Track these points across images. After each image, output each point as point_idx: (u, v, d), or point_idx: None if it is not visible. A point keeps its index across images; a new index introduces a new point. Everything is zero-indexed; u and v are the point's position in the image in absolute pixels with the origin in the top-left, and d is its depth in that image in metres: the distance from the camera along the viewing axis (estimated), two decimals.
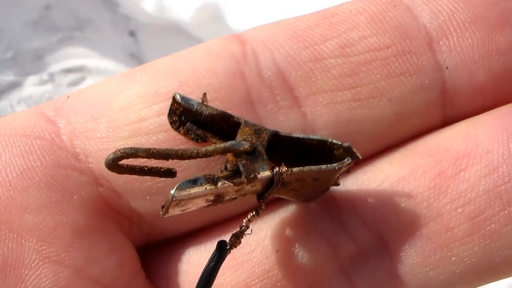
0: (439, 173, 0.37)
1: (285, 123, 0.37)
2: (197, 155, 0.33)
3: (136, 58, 1.10)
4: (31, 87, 1.05)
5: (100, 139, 0.37)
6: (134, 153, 0.31)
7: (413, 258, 0.37)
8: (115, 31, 1.11)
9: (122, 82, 0.38)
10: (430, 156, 0.37)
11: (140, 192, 0.37)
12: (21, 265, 0.35)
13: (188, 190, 0.32)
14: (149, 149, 0.32)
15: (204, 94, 0.36)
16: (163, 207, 0.33)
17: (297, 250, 0.38)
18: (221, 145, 0.33)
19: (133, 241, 0.39)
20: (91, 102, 0.38)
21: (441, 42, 0.37)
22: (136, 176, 0.34)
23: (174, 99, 0.35)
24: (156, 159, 0.32)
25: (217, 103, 0.37)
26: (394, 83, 0.37)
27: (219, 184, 0.33)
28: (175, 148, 0.34)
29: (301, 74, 0.37)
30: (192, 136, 0.36)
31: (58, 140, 0.37)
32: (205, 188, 0.32)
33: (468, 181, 0.36)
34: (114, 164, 0.32)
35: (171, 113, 0.36)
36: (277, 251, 0.38)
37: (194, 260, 0.39)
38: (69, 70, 1.07)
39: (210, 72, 0.37)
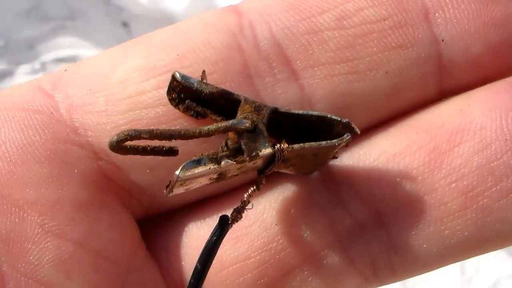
0: (434, 148, 0.37)
1: (283, 96, 0.37)
2: (199, 135, 0.33)
3: None
4: (23, 76, 1.05)
5: (98, 112, 0.37)
6: (137, 134, 0.32)
7: (407, 232, 0.38)
8: (107, 22, 1.11)
9: (119, 55, 0.38)
10: (425, 131, 0.38)
11: (139, 166, 0.37)
12: (24, 239, 0.35)
13: (192, 170, 0.32)
14: (152, 130, 0.32)
15: (203, 72, 0.36)
16: (167, 187, 0.33)
17: (295, 223, 0.39)
18: (222, 124, 0.33)
19: (133, 214, 0.39)
20: (88, 75, 0.38)
21: (437, 14, 0.38)
22: None
23: (173, 77, 0.36)
24: (159, 139, 0.33)
25: (214, 76, 0.37)
26: (390, 56, 0.37)
27: (223, 163, 0.33)
28: (177, 128, 0.35)
29: (298, 47, 0.37)
30: (192, 113, 0.36)
31: (56, 114, 0.37)
32: (209, 168, 0.33)
33: (461, 157, 0.37)
34: (118, 146, 0.32)
35: (170, 90, 0.36)
36: (275, 224, 0.38)
37: (193, 232, 0.39)
38: (61, 60, 1.07)
39: (208, 45, 0.37)
